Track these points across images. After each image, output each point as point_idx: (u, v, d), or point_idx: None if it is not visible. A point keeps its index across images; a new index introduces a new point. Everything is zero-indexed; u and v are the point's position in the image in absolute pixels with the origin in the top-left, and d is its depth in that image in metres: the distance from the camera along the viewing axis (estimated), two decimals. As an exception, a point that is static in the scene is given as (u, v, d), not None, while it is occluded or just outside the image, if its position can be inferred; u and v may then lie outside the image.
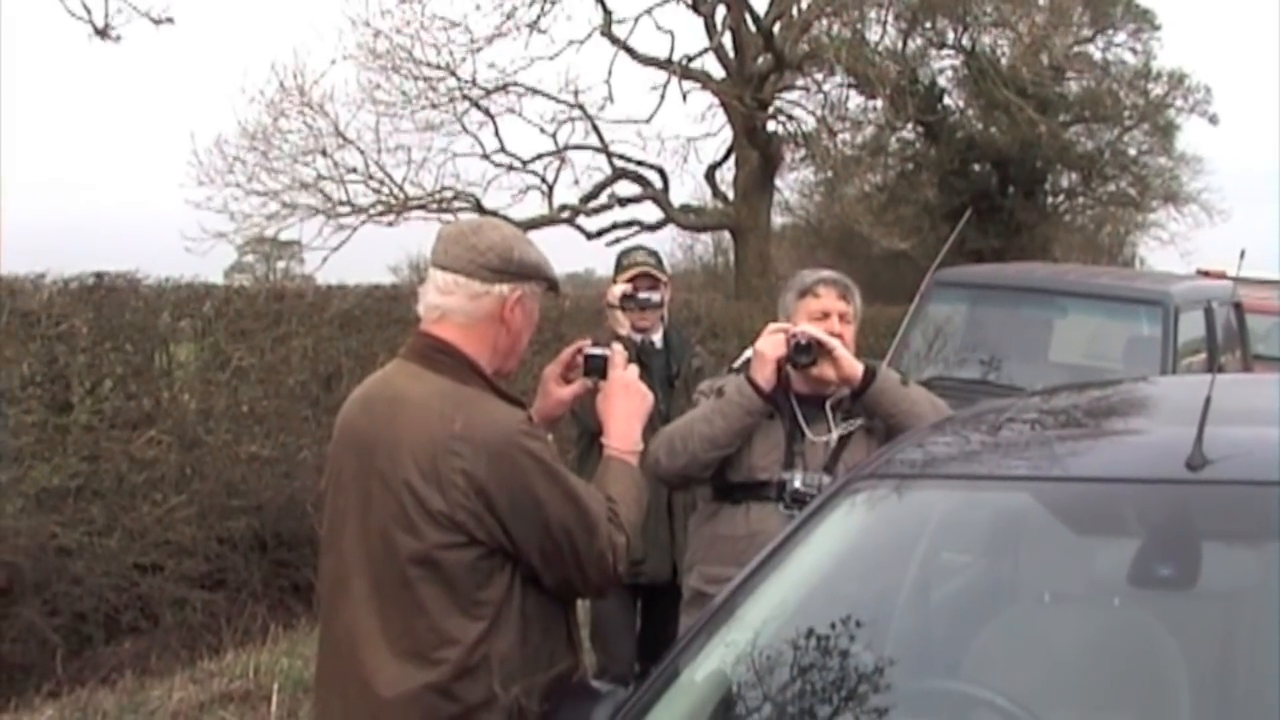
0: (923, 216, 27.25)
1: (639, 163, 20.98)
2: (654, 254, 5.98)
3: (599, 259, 29.15)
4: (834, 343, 4.53)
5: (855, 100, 23.41)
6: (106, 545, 8.62)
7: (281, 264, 25.70)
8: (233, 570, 9.56)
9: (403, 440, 3.11)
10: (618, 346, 3.60)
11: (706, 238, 28.92)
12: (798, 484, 4.51)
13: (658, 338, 5.86)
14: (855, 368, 4.54)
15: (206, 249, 18.53)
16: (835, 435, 4.60)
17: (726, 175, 22.06)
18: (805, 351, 4.51)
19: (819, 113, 22.35)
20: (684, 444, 4.55)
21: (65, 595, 8.30)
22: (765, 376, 4.55)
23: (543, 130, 20.47)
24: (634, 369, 3.56)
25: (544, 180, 20.57)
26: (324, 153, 19.10)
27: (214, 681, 7.55)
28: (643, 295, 5.71)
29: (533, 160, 20.50)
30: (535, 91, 20.16)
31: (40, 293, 8.77)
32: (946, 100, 28.92)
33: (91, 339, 8.94)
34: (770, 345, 4.55)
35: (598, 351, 3.60)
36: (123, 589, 8.67)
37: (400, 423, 3.14)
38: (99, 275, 9.12)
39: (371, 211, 19.45)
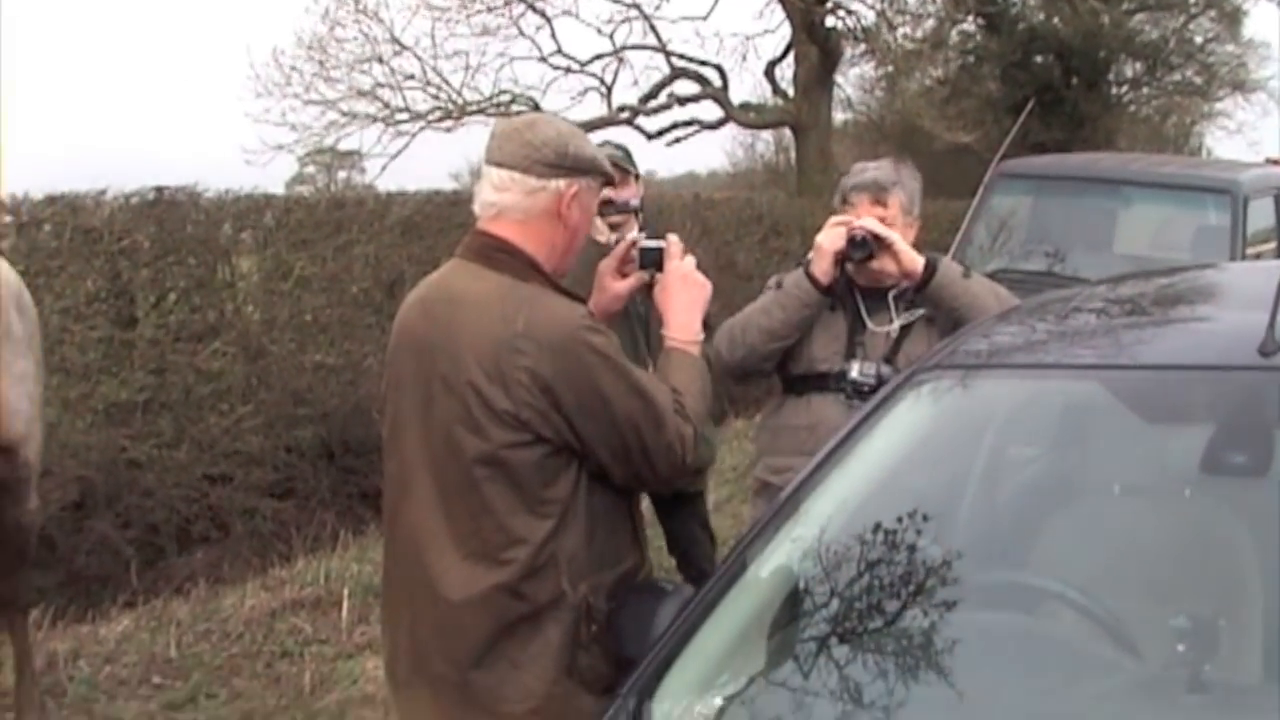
0: (985, 110, 26.79)
1: (697, 61, 20.77)
2: (623, 149, 5.77)
3: (658, 160, 29.02)
4: (893, 236, 4.48)
5: (915, -8, 23.05)
6: (176, 457, 8.68)
7: (342, 174, 25.68)
8: (301, 479, 9.61)
9: (464, 341, 3.07)
10: (673, 237, 3.53)
11: (767, 135, 28.70)
12: (857, 374, 4.48)
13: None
14: (915, 261, 4.48)
15: (266, 161, 18.56)
16: (896, 325, 4.57)
17: (786, 72, 21.80)
18: (861, 246, 4.46)
19: (878, 6, 21.95)
20: (743, 336, 4.56)
21: (137, 507, 8.37)
22: (823, 269, 4.51)
23: (600, 31, 20.28)
24: (691, 259, 3.49)
25: (602, 81, 20.42)
26: (380, 60, 19.01)
27: (285, 588, 7.60)
28: (620, 199, 5.45)
29: (590, 62, 20.33)
30: (591, -9, 20.00)
31: (101, 209, 8.77)
32: (1007, -9, 28.38)
33: (154, 253, 8.95)
34: (829, 239, 4.52)
35: (653, 244, 3.54)
36: (193, 500, 8.74)
37: (461, 323, 3.10)
38: (159, 189, 9.12)
39: (430, 118, 19.36)
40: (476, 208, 3.28)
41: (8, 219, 8.22)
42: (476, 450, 3.05)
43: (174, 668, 6.35)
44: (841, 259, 4.53)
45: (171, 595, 7.61)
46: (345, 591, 7.27)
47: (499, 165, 3.24)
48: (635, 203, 5.56)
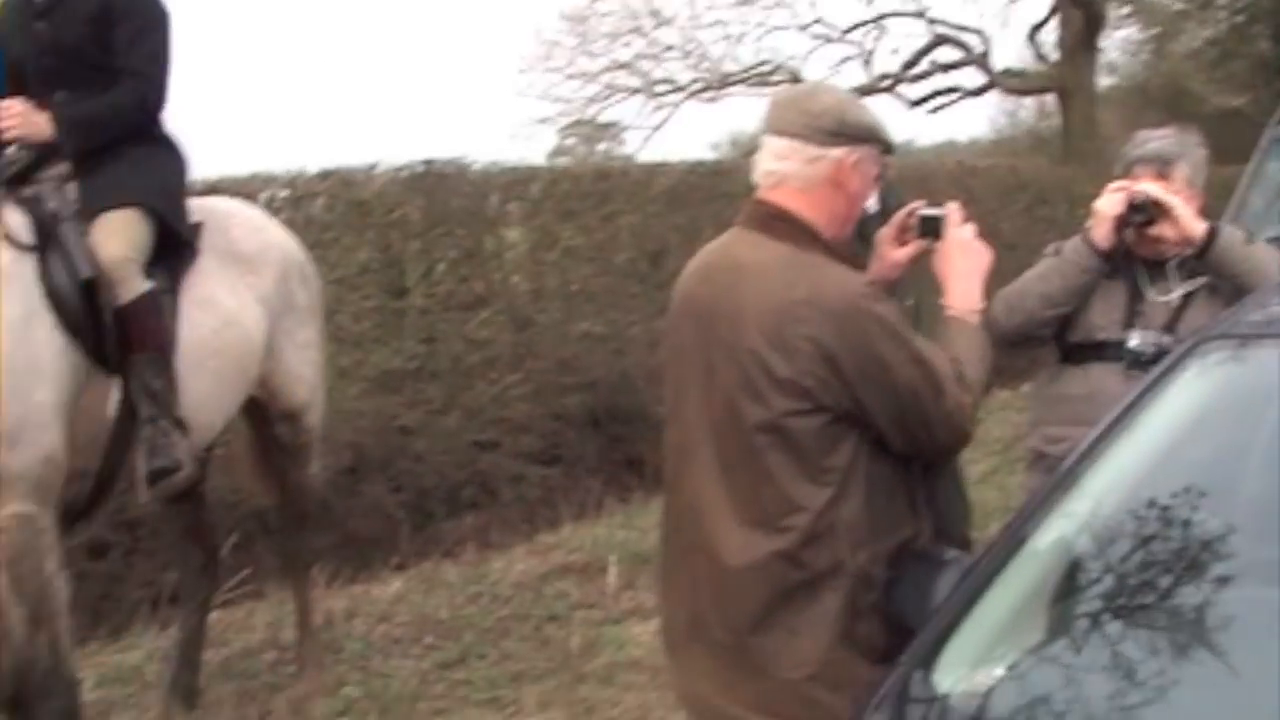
0: (1257, 71, 25.66)
1: (958, 27, 20.34)
2: None
3: (920, 128, 28.53)
4: (1173, 201, 4.28)
5: (1181, -51, 22.21)
6: (445, 424, 8.79)
7: (602, 146, 25.86)
8: (567, 446, 9.65)
9: (746, 308, 3.04)
10: (953, 205, 3.38)
11: (1030, 102, 28.02)
12: (1136, 343, 4.28)
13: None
14: (1195, 227, 4.26)
15: (529, 135, 18.78)
16: (1178, 294, 4.37)
17: (1049, 37, 21.21)
18: (1141, 210, 4.26)
19: (1144, -34, 21.23)
20: (1021, 302, 4.44)
21: (408, 473, 8.50)
22: (1102, 234, 4.34)
23: (859, -2, 19.99)
24: (971, 227, 3.34)
25: (862, 50, 20.13)
26: (641, 32, 19.08)
27: (552, 554, 7.62)
28: None
29: (850, 30, 20.10)
30: (851, -41, 19.70)
31: (373, 182, 8.94)
32: (1281, -56, 27.13)
33: (423, 225, 9.09)
34: (1108, 204, 4.35)
35: (933, 211, 3.41)
36: (462, 465, 8.84)
37: (742, 291, 3.07)
38: (428, 163, 9.24)
39: (691, 89, 19.34)
40: (756, 176, 3.25)
41: (284, 192, 8.41)
42: (758, 418, 3.01)
43: (445, 628, 6.41)
44: (1121, 224, 4.33)
45: (441, 559, 7.71)
46: (612, 558, 7.26)
47: (779, 134, 3.20)
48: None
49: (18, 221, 4.36)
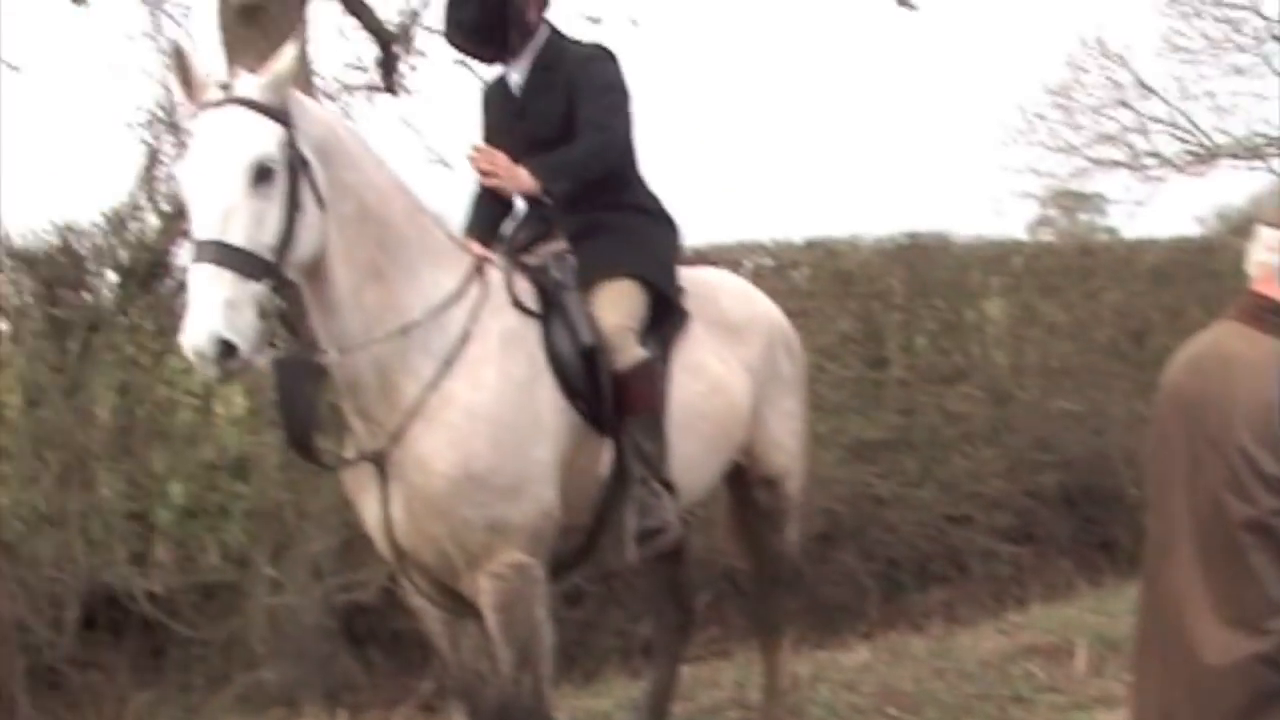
0: None
1: None
2: None
3: None
4: None
5: None
6: (919, 496, 8.77)
7: (1083, 217, 25.20)
8: (1040, 524, 9.46)
9: (1235, 403, 2.99)
10: None
11: None
12: None
13: None
14: None
15: (1012, 209, 18.55)
16: None
17: None
18: None
19: None
20: None
21: (879, 542, 8.52)
22: None
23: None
24: None
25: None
26: (1126, 104, 18.52)
27: (1020, 633, 7.49)
28: None
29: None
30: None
31: (857, 253, 9.02)
32: None
33: (905, 296, 9.10)
34: None
35: None
36: (933, 538, 8.80)
37: (1232, 386, 3.03)
38: (912, 235, 9.27)
39: (1178, 162, 18.63)
40: (1248, 267, 3.15)
41: (769, 261, 8.59)
42: (1243, 515, 2.96)
43: (909, 701, 6.39)
44: None
45: (907, 630, 7.66)
46: (1080, 641, 7.06)
47: (1274, 225, 3.04)
48: None
49: (525, 289, 4.64)
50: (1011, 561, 9.04)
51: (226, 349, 3.69)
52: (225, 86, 3.99)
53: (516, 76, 4.96)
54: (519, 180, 4.76)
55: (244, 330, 3.72)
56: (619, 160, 4.93)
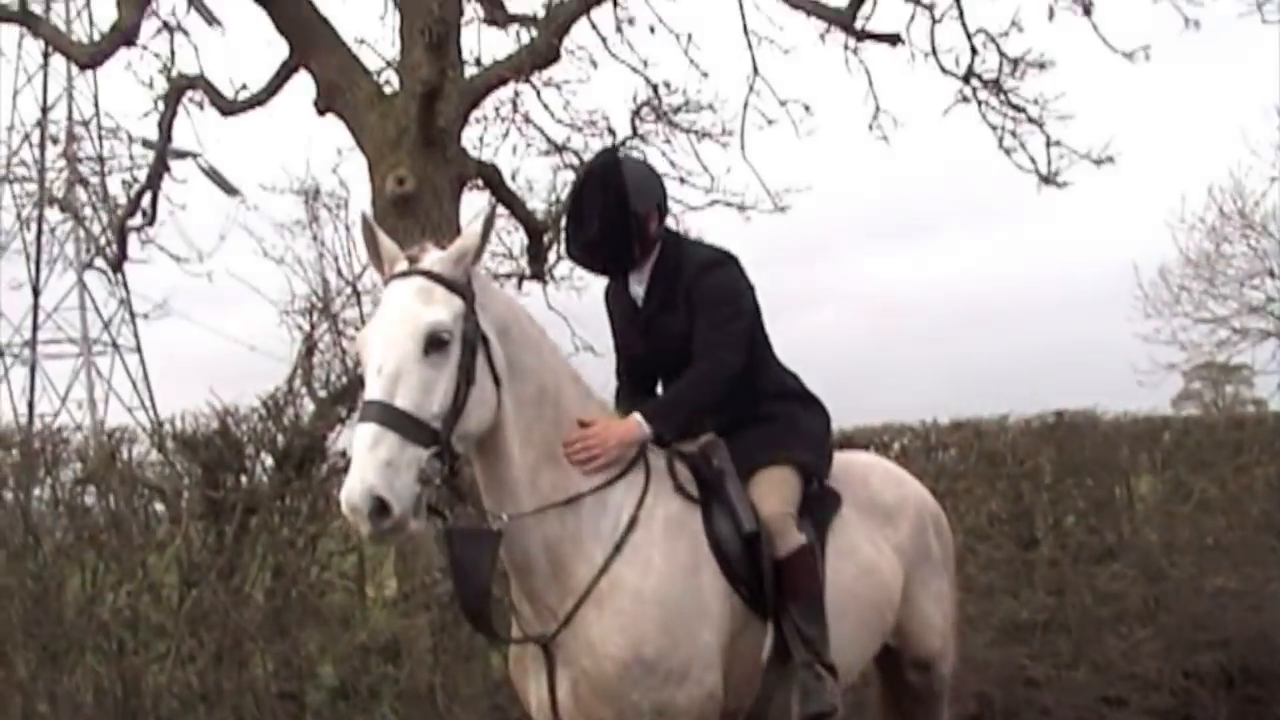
0: None
1: None
2: None
3: None
4: None
5: None
6: (1073, 677, 8.58)
7: (1230, 389, 24.77)
8: (1199, 706, 9.16)
9: None
10: None
11: None
12: None
13: None
14: None
15: (1158, 381, 18.30)
16: None
17: None
18: None
19: None
20: None
21: (1034, 725, 8.29)
22: None
23: None
24: None
25: None
26: (1272, 274, 18.30)
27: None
28: None
29: None
30: None
31: (1005, 433, 8.96)
32: None
33: (1054, 475, 8.99)
34: None
35: None
36: (1090, 721, 8.55)
37: None
38: (1059, 413, 9.20)
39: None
40: None
41: (916, 442, 8.56)
42: None
43: None
44: None
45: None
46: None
47: None
48: None
49: (686, 477, 4.67)
50: (1172, 744, 8.77)
51: (381, 506, 3.75)
52: (412, 259, 4.12)
53: (638, 287, 4.98)
54: (626, 439, 4.60)
55: (400, 492, 3.78)
56: (728, 384, 4.84)
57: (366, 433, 3.83)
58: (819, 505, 4.98)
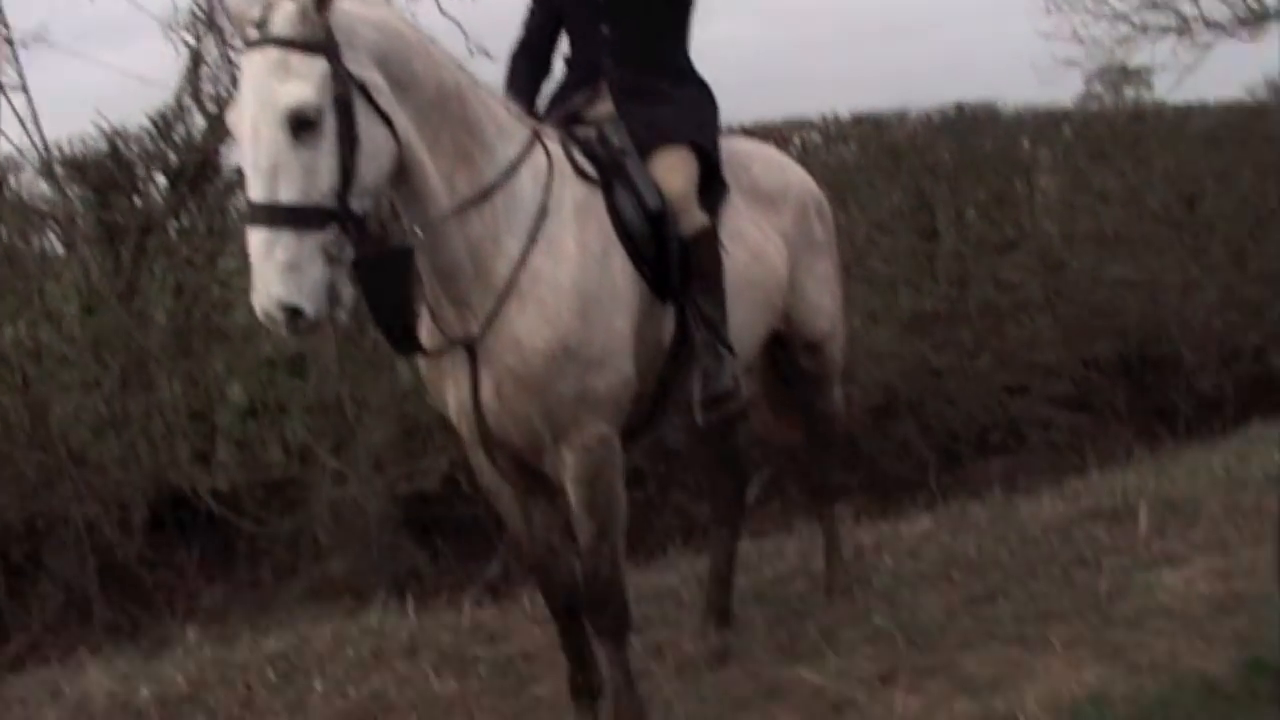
0: None
1: None
2: None
3: None
4: None
5: None
6: (976, 367, 8.67)
7: (1130, 91, 24.74)
8: (1097, 392, 9.34)
9: None
10: None
11: None
12: None
13: None
14: None
15: (1058, 78, 18.15)
16: None
17: None
18: None
19: None
20: None
21: (937, 414, 8.44)
22: None
23: None
24: None
25: None
26: (1174, -33, 18.05)
27: (1081, 499, 7.33)
28: None
29: None
30: None
31: (905, 126, 8.87)
32: None
33: (954, 168, 8.96)
34: None
35: None
36: (991, 409, 8.70)
37: None
38: (959, 106, 9.11)
39: (1227, 26, 18.17)
40: None
41: (817, 137, 8.48)
42: None
43: (972, 566, 6.27)
44: None
45: (968, 499, 7.57)
46: (1141, 504, 6.94)
47: None
48: None
49: (582, 159, 4.53)
50: (1070, 430, 8.90)
51: (295, 312, 3.57)
52: (260, 23, 3.70)
53: None
54: None
55: (310, 290, 3.58)
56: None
57: (258, 240, 3.55)
58: (710, 192, 4.91)
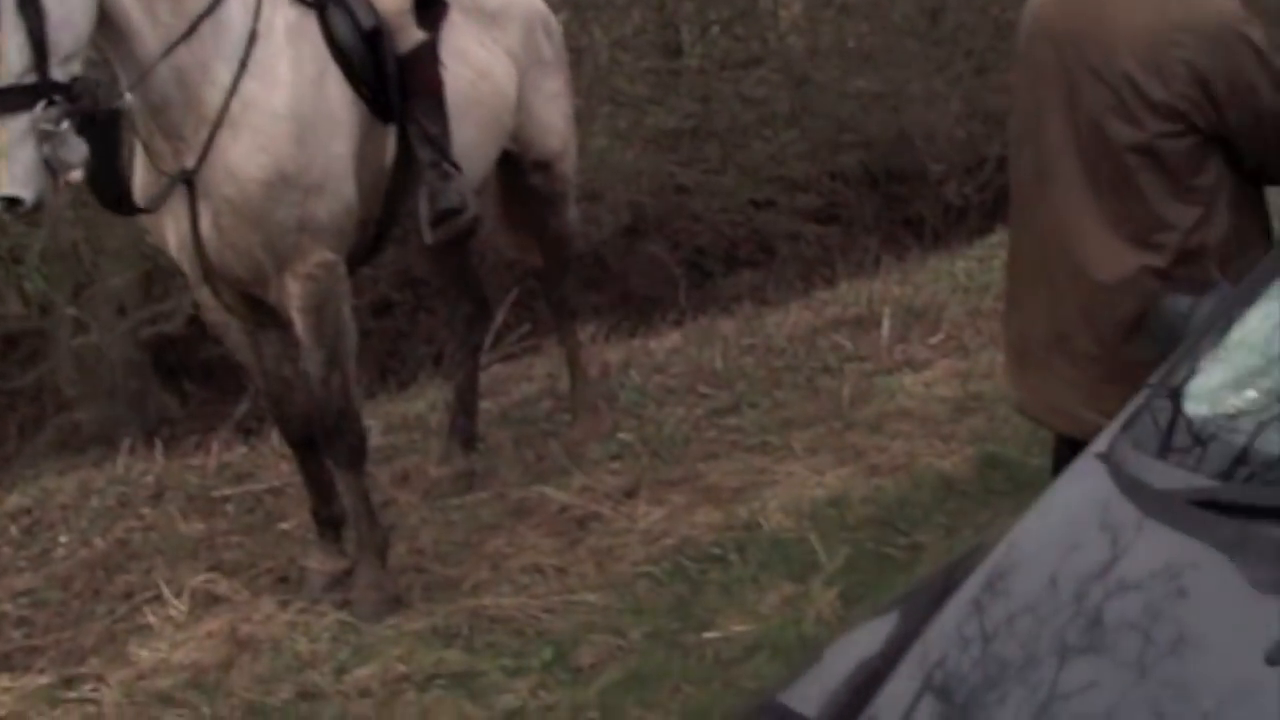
0: None
1: None
2: None
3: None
4: None
5: None
6: (721, 182, 8.71)
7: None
8: (844, 204, 9.49)
9: (1117, 32, 3.03)
10: None
11: None
12: None
13: None
14: None
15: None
16: None
17: None
18: None
19: None
20: None
21: (685, 231, 8.49)
22: None
23: None
24: None
25: None
26: None
27: (827, 309, 7.46)
28: None
29: None
30: None
31: (647, -59, 8.77)
32: None
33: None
34: None
35: None
36: (739, 224, 8.78)
37: (1112, 16, 3.06)
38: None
39: None
40: None
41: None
42: (1130, 139, 3.03)
43: (718, 378, 6.36)
44: None
45: (718, 314, 7.65)
46: (886, 311, 7.11)
47: None
48: None
49: None
50: (818, 242, 9.04)
51: (13, 201, 3.47)
52: None
53: None
54: None
55: (23, 177, 3.47)
56: None
57: None
58: (428, 10, 4.81)
